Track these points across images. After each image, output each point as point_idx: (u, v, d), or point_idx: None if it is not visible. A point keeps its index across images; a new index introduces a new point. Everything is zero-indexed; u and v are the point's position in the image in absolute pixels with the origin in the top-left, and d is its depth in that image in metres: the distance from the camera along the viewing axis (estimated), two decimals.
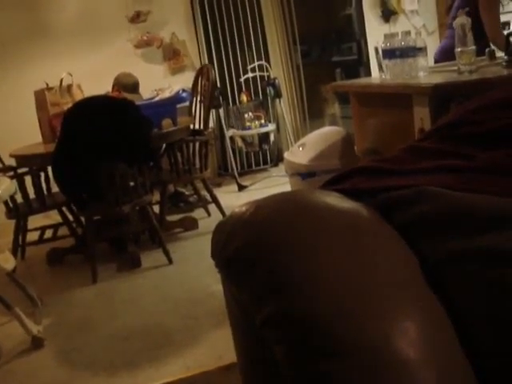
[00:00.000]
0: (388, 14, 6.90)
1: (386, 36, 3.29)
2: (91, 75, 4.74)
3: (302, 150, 3.67)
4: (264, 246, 0.75)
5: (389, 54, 3.22)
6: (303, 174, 3.56)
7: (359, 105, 3.60)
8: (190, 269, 3.79)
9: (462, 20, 2.86)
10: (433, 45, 5.79)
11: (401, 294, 0.68)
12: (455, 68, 2.90)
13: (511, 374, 0.62)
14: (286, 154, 4.00)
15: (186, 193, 5.31)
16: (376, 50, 3.44)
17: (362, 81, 4.24)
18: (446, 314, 0.68)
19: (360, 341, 0.63)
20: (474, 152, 0.84)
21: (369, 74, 6.70)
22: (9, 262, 3.22)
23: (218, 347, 2.69)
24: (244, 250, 0.78)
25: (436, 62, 3.95)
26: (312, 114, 7.00)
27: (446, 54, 3.64)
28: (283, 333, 0.68)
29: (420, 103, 2.82)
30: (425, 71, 3.10)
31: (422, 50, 3.13)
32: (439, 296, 0.69)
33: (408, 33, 3.23)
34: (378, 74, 3.45)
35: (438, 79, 2.91)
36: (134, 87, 4.62)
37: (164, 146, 4.62)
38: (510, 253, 0.65)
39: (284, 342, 0.68)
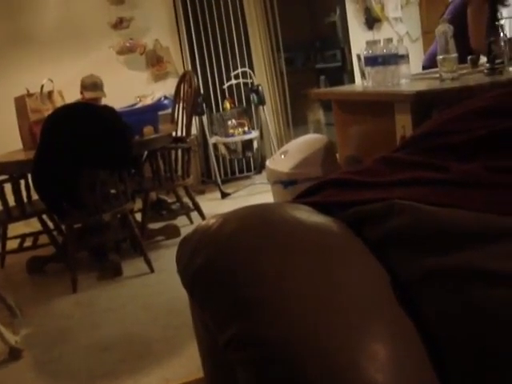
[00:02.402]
0: (371, 22, 6.92)
1: (368, 43, 3.28)
2: (73, 82, 4.69)
3: (284, 158, 3.65)
4: (226, 266, 0.72)
5: (371, 61, 3.21)
6: (285, 181, 3.54)
7: (341, 112, 3.59)
8: (172, 278, 3.72)
9: (444, 27, 2.86)
10: (416, 52, 5.82)
11: (370, 316, 0.65)
12: (437, 75, 2.90)
13: None
14: (268, 162, 3.98)
15: (169, 200, 5.27)
16: (358, 57, 3.44)
17: (344, 88, 4.23)
18: (417, 335, 0.65)
19: (325, 368, 0.60)
20: (448, 164, 0.81)
21: (353, 81, 6.70)
22: None
23: (198, 358, 2.64)
24: (207, 267, 0.75)
25: (424, 67, 3.94)
26: (296, 121, 6.99)
27: (434, 60, 3.64)
28: (245, 357, 0.65)
29: (402, 111, 2.81)
30: (407, 78, 3.10)
31: (404, 57, 3.12)
32: (411, 316, 0.67)
33: (390, 40, 3.22)
34: (361, 81, 3.44)
35: (420, 87, 2.91)
36: (93, 86, 4.56)
37: (146, 153, 4.59)
38: (486, 271, 0.62)
39: (245, 367, 0.65)
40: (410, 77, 3.13)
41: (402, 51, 3.13)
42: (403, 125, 2.82)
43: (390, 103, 2.88)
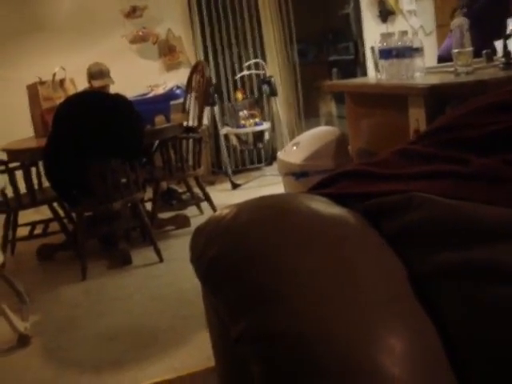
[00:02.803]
0: (386, 14, 6.87)
1: (382, 35, 3.26)
2: (85, 70, 4.68)
3: (296, 150, 3.63)
4: (240, 257, 0.71)
5: (385, 53, 3.19)
6: (296, 173, 3.53)
7: (354, 105, 3.57)
8: (181, 268, 3.75)
9: (460, 21, 2.83)
10: (430, 46, 5.78)
11: (386, 310, 0.64)
12: (452, 69, 2.87)
13: None
14: (279, 154, 3.97)
15: (179, 190, 5.27)
16: (372, 49, 3.41)
17: (358, 80, 4.21)
18: (434, 329, 0.64)
19: (341, 362, 0.59)
20: (467, 157, 0.80)
21: (365, 74, 6.67)
22: None
23: (206, 348, 2.62)
24: (221, 257, 0.74)
25: (440, 58, 3.90)
26: (307, 113, 6.97)
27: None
28: (258, 350, 0.64)
29: (416, 104, 2.79)
30: (421, 72, 3.07)
31: (418, 51, 3.09)
32: (428, 310, 0.65)
33: (405, 33, 3.20)
34: (374, 73, 3.42)
35: (434, 80, 2.89)
36: (100, 73, 4.55)
37: (157, 142, 4.58)
38: (506, 267, 0.61)
39: (258, 360, 0.64)
40: (424, 70, 3.10)
41: (416, 44, 3.11)
42: (417, 118, 2.80)
43: (404, 96, 2.86)
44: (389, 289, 0.66)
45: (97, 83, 4.48)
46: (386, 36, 3.24)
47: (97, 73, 4.54)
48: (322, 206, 0.78)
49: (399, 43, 3.11)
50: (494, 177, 0.75)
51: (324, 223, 0.73)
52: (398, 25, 6.71)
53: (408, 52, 3.08)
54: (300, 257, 0.67)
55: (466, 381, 0.61)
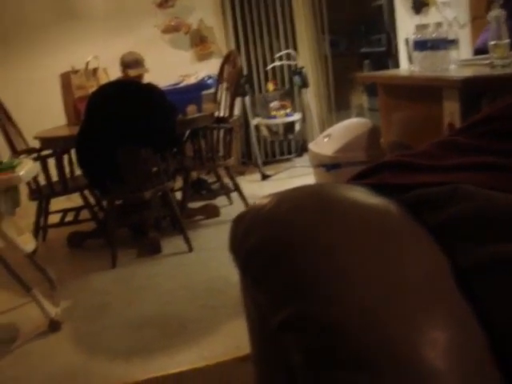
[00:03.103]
0: (419, 6, 6.79)
1: (417, 27, 3.22)
2: (117, 60, 4.70)
3: (328, 141, 3.62)
4: (284, 244, 0.70)
5: (420, 45, 3.15)
6: (328, 165, 3.51)
7: (387, 97, 3.53)
8: (210, 257, 3.76)
9: (496, 13, 2.79)
10: (464, 38, 5.70)
11: (431, 302, 0.63)
12: (488, 62, 2.83)
13: None
14: (310, 145, 3.95)
15: (209, 180, 5.28)
16: (407, 41, 3.38)
17: (391, 72, 4.17)
18: (477, 322, 0.63)
19: (387, 352, 0.58)
20: (510, 149, 0.78)
21: (397, 66, 6.60)
22: (29, 244, 3.22)
23: (235, 338, 2.66)
24: (262, 246, 0.73)
25: (477, 51, 3.84)
26: (338, 105, 6.93)
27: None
28: (301, 338, 0.64)
29: (450, 97, 2.75)
30: (456, 64, 3.03)
31: (453, 43, 3.05)
32: (472, 304, 0.64)
33: (440, 24, 3.16)
34: (406, 66, 3.39)
35: (469, 73, 2.85)
36: (135, 62, 4.57)
37: (188, 132, 4.59)
38: None
39: (301, 348, 0.63)
40: (459, 62, 3.06)
41: (451, 36, 3.06)
42: (451, 111, 2.76)
43: (438, 89, 2.83)
44: (433, 281, 0.65)
45: (132, 72, 4.50)
46: (420, 27, 3.20)
47: (132, 62, 4.57)
48: (364, 195, 0.77)
49: (434, 35, 3.08)
50: None
51: (367, 212, 0.72)
52: (431, 16, 6.63)
53: (443, 44, 3.04)
54: (343, 245, 0.67)
55: (511, 376, 0.60)
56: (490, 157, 0.79)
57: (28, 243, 3.24)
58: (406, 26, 6.06)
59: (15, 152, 4.20)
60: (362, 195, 0.77)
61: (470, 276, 0.66)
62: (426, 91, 3.00)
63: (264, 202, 0.78)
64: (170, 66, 5.68)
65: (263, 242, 0.73)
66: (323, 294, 0.63)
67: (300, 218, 0.71)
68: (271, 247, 0.72)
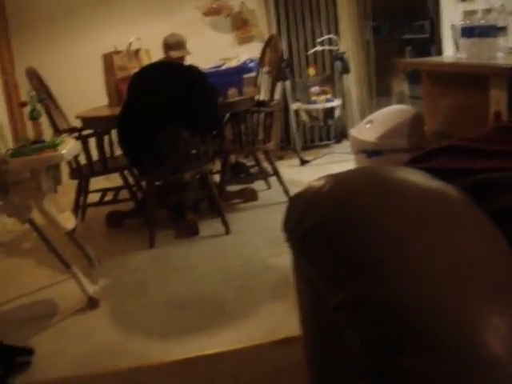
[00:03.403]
0: None
1: (465, 13, 3.17)
2: (159, 41, 4.71)
3: (370, 128, 3.58)
4: (344, 224, 0.69)
5: (467, 32, 3.09)
6: (369, 151, 3.48)
7: (431, 84, 3.48)
8: (247, 240, 3.77)
9: None
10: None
11: (493, 287, 0.61)
12: None
13: None
14: (352, 131, 3.92)
15: (248, 164, 5.28)
16: (453, 27, 3.32)
17: (436, 59, 4.10)
18: None
19: (449, 335, 0.57)
20: None
21: (440, 53, 6.49)
22: (69, 222, 3.27)
23: (272, 321, 2.66)
24: (321, 226, 0.72)
25: None
26: (379, 91, 6.85)
27: None
28: (360, 319, 0.62)
29: (497, 85, 2.70)
30: (504, 52, 2.97)
31: (502, 30, 2.99)
32: None
33: (489, 11, 3.09)
34: (450, 53, 3.33)
35: None
36: (178, 44, 4.57)
37: (228, 115, 4.59)
38: None
39: (360, 329, 0.62)
40: (507, 50, 3.00)
41: (501, 23, 3.00)
42: (498, 100, 2.71)
43: (485, 77, 2.78)
44: (495, 265, 0.63)
45: (174, 54, 4.51)
46: (468, 14, 3.15)
47: (174, 43, 4.57)
48: (424, 179, 0.75)
49: (482, 21, 3.02)
50: None
51: (428, 195, 0.70)
52: (477, 3, 6.49)
53: (492, 31, 2.98)
54: (404, 226, 0.65)
55: None
56: None
57: (68, 221, 3.28)
58: (451, 12, 5.94)
59: (57, 131, 4.25)
60: (421, 178, 0.75)
61: None
62: (472, 79, 2.95)
63: (322, 183, 0.77)
64: (210, 49, 5.68)
65: (322, 222, 0.72)
66: (383, 276, 0.62)
67: (360, 198, 0.70)
68: (330, 227, 0.71)
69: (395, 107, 4.04)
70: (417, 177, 0.75)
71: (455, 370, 0.55)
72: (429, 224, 0.66)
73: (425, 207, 0.68)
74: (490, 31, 2.97)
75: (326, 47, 6.37)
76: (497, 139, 0.83)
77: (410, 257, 0.63)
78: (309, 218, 0.74)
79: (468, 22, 3.06)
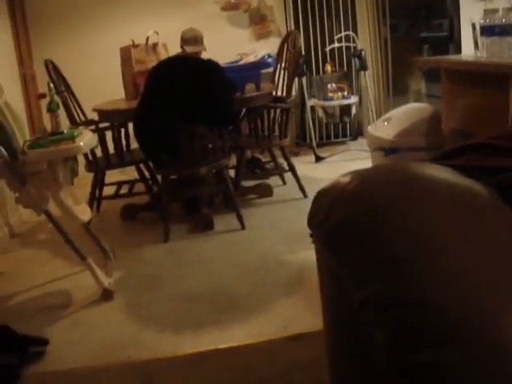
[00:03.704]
0: None
1: (485, 12, 3.14)
2: (177, 35, 4.71)
3: (387, 125, 3.56)
4: (373, 220, 0.69)
5: (487, 30, 3.07)
6: (386, 149, 3.46)
7: (450, 83, 3.46)
8: (262, 236, 3.77)
9: None
10: None
11: None
12: None
13: None
14: (369, 128, 3.90)
15: (263, 159, 5.27)
16: (473, 26, 3.29)
17: (455, 57, 4.07)
18: None
19: (475, 332, 0.56)
20: None
21: (459, 51, 6.46)
22: (85, 214, 3.28)
23: (285, 317, 2.66)
24: (349, 222, 0.72)
25: None
26: (396, 89, 6.82)
27: None
28: (387, 316, 0.62)
29: None
30: None
31: None
32: None
33: (510, 9, 3.06)
34: (468, 51, 3.31)
35: None
36: (194, 39, 4.57)
37: (244, 110, 4.59)
38: None
39: (386, 326, 0.62)
40: None
41: None
42: None
43: (506, 76, 2.76)
44: None
45: (189, 49, 4.51)
46: (489, 12, 3.12)
47: (190, 39, 4.57)
48: (452, 176, 0.74)
49: (504, 20, 2.99)
50: None
51: (456, 192, 0.70)
52: (497, 1, 6.44)
53: None
54: (433, 224, 0.64)
55: None
56: None
57: (84, 213, 3.29)
58: (470, 10, 5.91)
59: (74, 123, 4.26)
60: (448, 174, 0.74)
61: None
62: (492, 78, 2.93)
63: (348, 179, 0.76)
64: (228, 44, 5.68)
65: (349, 219, 0.71)
66: (411, 273, 0.62)
67: (387, 195, 0.70)
68: (357, 223, 0.70)
69: (413, 105, 4.01)
70: (444, 173, 0.75)
71: (487, 370, 0.55)
72: (458, 222, 0.65)
73: (454, 204, 0.67)
74: (511, 30, 2.94)
75: (344, 44, 6.35)
76: None
77: (438, 255, 0.62)
78: (335, 215, 0.74)
79: (488, 20, 3.03)
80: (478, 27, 3.21)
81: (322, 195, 0.82)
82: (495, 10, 3.11)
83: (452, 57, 4.13)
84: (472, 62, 3.19)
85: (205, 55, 4.41)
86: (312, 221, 0.81)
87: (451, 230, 0.64)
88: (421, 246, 0.63)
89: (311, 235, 0.82)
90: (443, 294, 0.59)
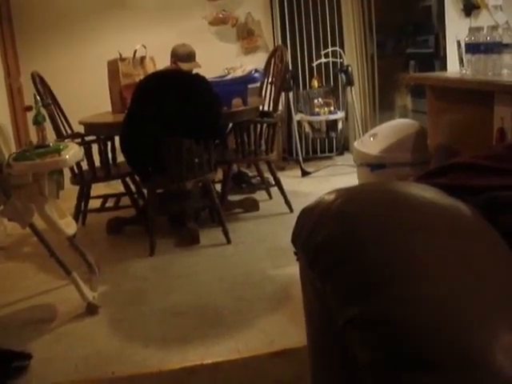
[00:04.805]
0: (470, 8, 6.68)
1: (470, 29, 3.17)
2: (164, 49, 4.72)
3: (373, 141, 3.58)
4: (357, 240, 0.69)
5: (472, 48, 3.10)
6: (372, 164, 3.48)
7: (435, 99, 3.49)
8: (248, 251, 3.77)
9: None
10: None
11: (504, 305, 0.61)
12: None
13: None
14: (355, 143, 3.92)
15: (249, 174, 5.28)
16: (458, 43, 3.32)
17: (441, 74, 4.10)
18: None
19: (458, 354, 0.57)
20: None
21: (444, 68, 6.52)
22: (70, 227, 3.26)
23: (271, 332, 2.65)
24: (334, 241, 0.72)
25: None
26: (382, 105, 6.86)
27: None
28: (370, 336, 0.62)
29: (502, 102, 2.71)
30: (509, 69, 2.98)
31: (508, 47, 3.00)
32: None
33: (495, 28, 3.10)
34: (454, 68, 3.34)
35: None
36: (188, 56, 4.58)
37: (231, 125, 4.59)
38: None
39: (369, 346, 0.62)
40: None
41: (506, 40, 3.01)
42: (502, 116, 2.72)
43: (490, 93, 2.78)
44: (507, 284, 0.62)
45: (185, 66, 4.50)
46: (474, 30, 3.15)
47: (185, 55, 4.59)
48: (436, 196, 0.74)
49: (488, 38, 3.02)
50: None
51: (439, 213, 0.70)
52: (482, 19, 6.52)
53: (497, 47, 2.99)
54: (415, 245, 0.65)
55: None
56: None
57: (69, 226, 3.28)
58: (456, 28, 5.99)
59: (60, 136, 4.25)
60: (434, 195, 0.74)
61: None
62: (477, 95, 2.96)
63: (333, 197, 0.76)
64: (215, 58, 5.69)
65: (335, 237, 0.71)
66: (395, 293, 0.62)
67: (373, 214, 0.70)
68: (343, 242, 0.70)
69: (399, 121, 4.04)
70: (429, 193, 0.75)
71: None
72: (442, 242, 0.65)
73: (438, 224, 0.68)
74: (495, 48, 2.98)
75: (331, 59, 6.39)
76: (506, 156, 0.83)
77: (423, 276, 0.62)
78: (321, 232, 0.74)
79: (473, 38, 3.06)
80: (463, 44, 3.24)
81: (306, 213, 0.82)
82: (480, 28, 3.14)
83: (437, 74, 4.17)
84: (457, 80, 3.22)
85: (195, 70, 4.42)
86: (296, 239, 0.81)
87: (436, 252, 0.64)
88: (405, 268, 0.63)
89: (295, 253, 0.82)
90: (427, 317, 0.59)
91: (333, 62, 6.45)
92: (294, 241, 0.82)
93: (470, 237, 0.67)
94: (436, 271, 0.62)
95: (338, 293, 0.68)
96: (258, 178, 5.00)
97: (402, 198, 0.72)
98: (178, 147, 3.73)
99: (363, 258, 0.67)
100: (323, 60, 6.36)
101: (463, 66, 3.24)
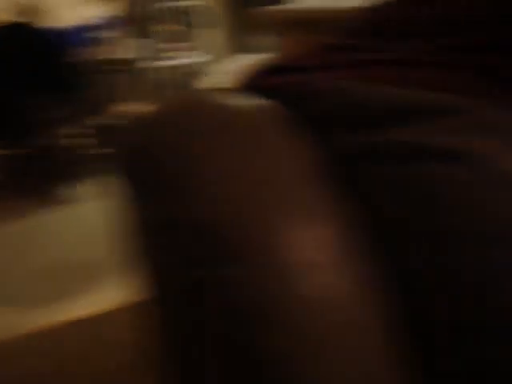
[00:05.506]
0: None
1: None
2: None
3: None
4: (150, 147, 0.71)
5: None
6: None
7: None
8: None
9: None
10: None
11: (306, 198, 0.63)
12: None
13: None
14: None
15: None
16: None
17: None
18: (358, 217, 0.62)
19: (257, 244, 0.59)
20: (386, 46, 0.77)
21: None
22: None
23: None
24: (132, 151, 0.74)
25: None
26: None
27: None
28: (174, 238, 0.65)
29: None
30: None
31: None
32: (354, 196, 0.63)
33: None
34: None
35: None
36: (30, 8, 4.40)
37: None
38: (427, 147, 0.59)
39: (177, 248, 0.64)
40: None
41: None
42: None
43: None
44: (307, 176, 0.64)
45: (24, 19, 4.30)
46: None
47: (28, 8, 4.37)
48: (240, 100, 0.76)
49: None
50: (408, 62, 0.72)
51: (234, 115, 0.71)
52: None
53: None
54: (209, 149, 0.66)
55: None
56: (365, 54, 0.77)
57: None
58: None
59: None
60: (237, 100, 0.76)
61: (347, 166, 0.64)
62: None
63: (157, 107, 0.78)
64: (70, 6, 5.46)
65: (133, 147, 0.75)
66: (186, 195, 0.64)
67: (171, 120, 0.72)
68: (139, 151, 0.73)
69: None
70: (235, 99, 0.76)
71: (267, 274, 0.57)
72: (234, 146, 0.67)
73: (231, 125, 0.69)
74: None
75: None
76: (314, 54, 0.84)
77: (211, 178, 0.64)
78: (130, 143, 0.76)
79: None
80: None
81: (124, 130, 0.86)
82: None
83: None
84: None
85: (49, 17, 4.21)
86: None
87: (225, 155, 0.66)
88: (194, 171, 0.65)
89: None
90: (221, 212, 0.61)
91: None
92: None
93: (268, 134, 0.69)
94: (224, 173, 0.64)
95: (138, 197, 0.72)
96: None
97: (202, 105, 0.74)
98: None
99: (155, 164, 0.70)
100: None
101: None
